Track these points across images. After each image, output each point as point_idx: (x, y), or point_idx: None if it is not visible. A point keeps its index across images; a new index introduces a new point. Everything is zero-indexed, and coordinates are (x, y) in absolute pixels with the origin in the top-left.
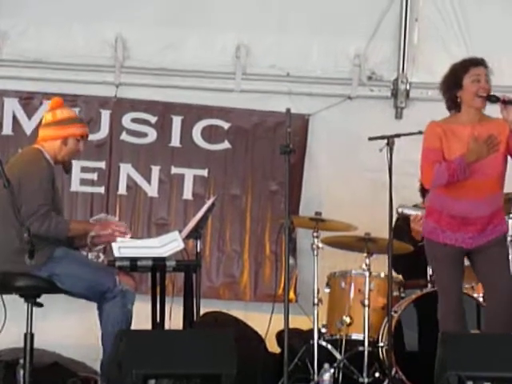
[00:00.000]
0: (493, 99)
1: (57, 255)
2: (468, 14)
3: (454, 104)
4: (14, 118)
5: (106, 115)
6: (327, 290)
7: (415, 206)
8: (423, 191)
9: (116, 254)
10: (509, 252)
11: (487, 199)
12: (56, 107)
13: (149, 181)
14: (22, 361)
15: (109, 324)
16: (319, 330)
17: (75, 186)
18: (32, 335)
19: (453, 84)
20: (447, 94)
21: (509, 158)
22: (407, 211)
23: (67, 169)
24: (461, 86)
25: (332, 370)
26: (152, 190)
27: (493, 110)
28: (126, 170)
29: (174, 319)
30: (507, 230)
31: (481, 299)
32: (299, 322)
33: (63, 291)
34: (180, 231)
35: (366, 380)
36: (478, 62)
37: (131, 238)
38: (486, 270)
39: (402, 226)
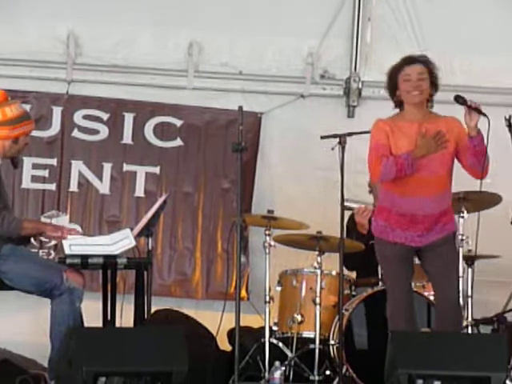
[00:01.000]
0: (459, 101)
1: (4, 253)
2: (421, 14)
3: (397, 103)
4: None
5: (57, 112)
6: (279, 288)
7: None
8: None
9: (67, 251)
10: (458, 250)
11: (436, 197)
12: (1, 102)
13: (100, 178)
14: None
15: (56, 321)
16: (270, 328)
17: (26, 183)
18: None
19: (391, 85)
20: (390, 94)
21: None
22: (350, 204)
23: (16, 164)
24: (397, 86)
25: (283, 368)
26: (104, 187)
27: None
28: (78, 167)
29: (125, 317)
30: (456, 229)
31: (431, 298)
32: (251, 320)
33: (11, 288)
34: (131, 229)
35: (316, 378)
36: (413, 60)
37: (82, 235)
38: (435, 269)
39: (349, 226)
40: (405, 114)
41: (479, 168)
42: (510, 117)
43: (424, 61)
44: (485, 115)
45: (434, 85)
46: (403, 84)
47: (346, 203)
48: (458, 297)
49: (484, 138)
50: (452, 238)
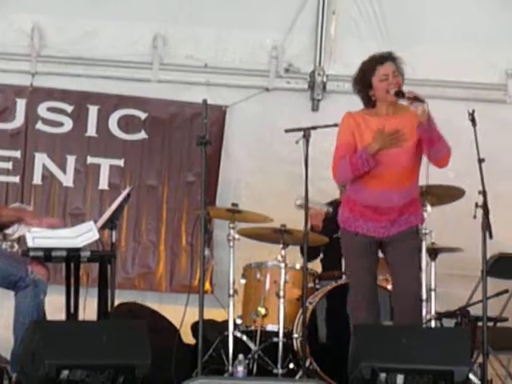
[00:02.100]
0: (400, 95)
1: None
2: (385, 8)
3: (368, 101)
4: None
5: (21, 104)
6: (243, 282)
7: (327, 202)
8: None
9: (30, 244)
10: (421, 244)
11: (399, 190)
12: None
13: (64, 170)
14: None
15: (20, 314)
16: (234, 321)
17: None
18: None
19: (363, 84)
20: (360, 93)
21: None
22: (303, 203)
23: None
24: (371, 86)
25: (246, 361)
26: (67, 179)
27: None
28: (42, 159)
29: (89, 310)
30: (421, 222)
31: None
32: (215, 313)
33: None
34: (95, 221)
35: (280, 371)
36: (384, 59)
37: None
38: (395, 263)
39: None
40: (376, 108)
41: (432, 155)
42: (473, 111)
43: (393, 58)
44: (423, 101)
45: (402, 78)
46: (381, 84)
47: (300, 201)
48: (419, 289)
49: (432, 126)
50: (415, 231)
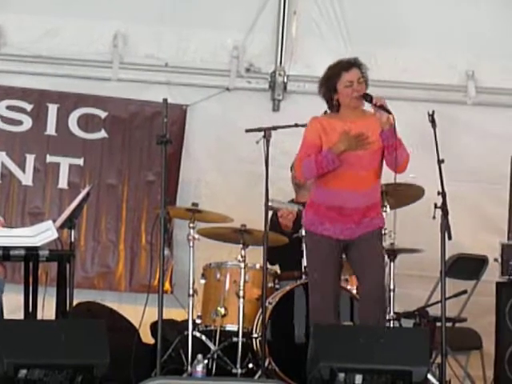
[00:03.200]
0: (367, 99)
1: None
2: (346, 9)
3: (333, 105)
4: None
5: None
6: (203, 281)
7: (288, 202)
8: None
9: None
10: (382, 246)
11: (364, 192)
12: None
13: (23, 169)
14: None
15: None
16: (194, 321)
17: None
18: None
19: (328, 89)
20: (325, 97)
21: None
22: (276, 205)
23: None
24: (336, 90)
25: (205, 361)
26: (26, 178)
27: None
28: (0, 158)
29: (47, 309)
30: (383, 225)
31: (354, 291)
32: (175, 313)
33: None
34: (54, 221)
35: (239, 371)
36: (349, 65)
37: (4, 226)
38: (360, 265)
39: (274, 220)
40: (341, 114)
41: (391, 161)
42: (433, 112)
43: (358, 64)
44: (389, 112)
45: (366, 84)
46: (345, 90)
47: (270, 203)
48: (383, 291)
49: (394, 133)
50: (379, 233)
